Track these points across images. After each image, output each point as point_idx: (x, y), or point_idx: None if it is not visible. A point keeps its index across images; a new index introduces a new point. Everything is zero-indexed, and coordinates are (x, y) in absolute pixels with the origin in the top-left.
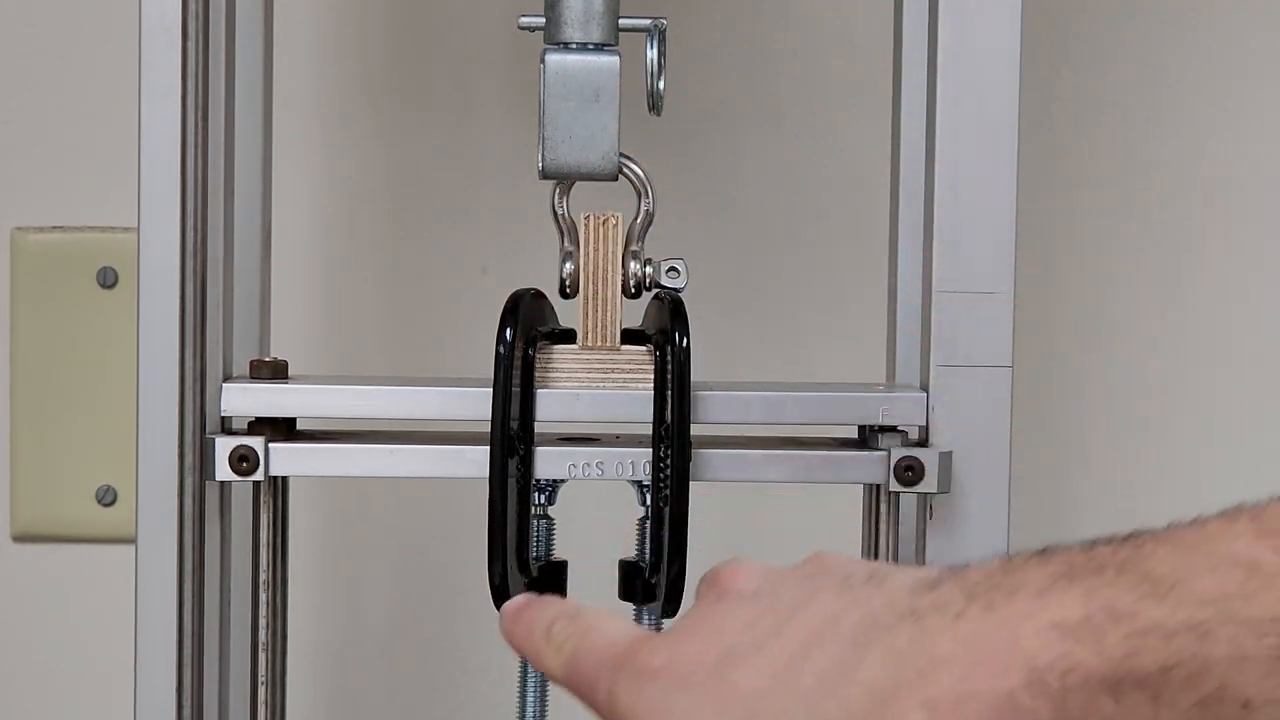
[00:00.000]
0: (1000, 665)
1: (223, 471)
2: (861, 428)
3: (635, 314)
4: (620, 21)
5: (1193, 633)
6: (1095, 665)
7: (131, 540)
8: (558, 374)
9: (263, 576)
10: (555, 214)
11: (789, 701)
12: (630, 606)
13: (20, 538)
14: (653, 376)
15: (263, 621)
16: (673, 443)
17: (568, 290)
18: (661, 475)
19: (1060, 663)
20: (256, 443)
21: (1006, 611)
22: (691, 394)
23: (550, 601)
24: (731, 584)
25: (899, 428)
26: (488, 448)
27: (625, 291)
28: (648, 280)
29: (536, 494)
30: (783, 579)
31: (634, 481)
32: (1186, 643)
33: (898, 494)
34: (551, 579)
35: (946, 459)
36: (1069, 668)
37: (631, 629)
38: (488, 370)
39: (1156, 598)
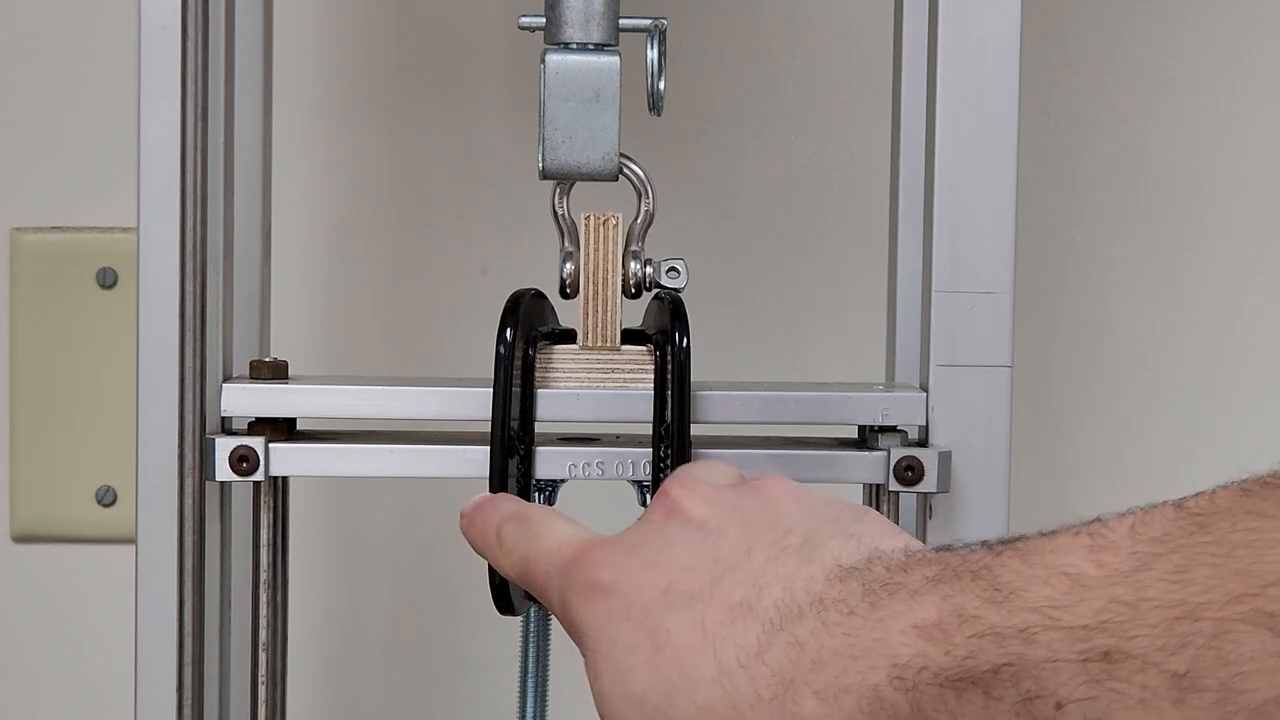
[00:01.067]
0: (871, 661)
1: (223, 471)
2: (861, 428)
3: (635, 314)
4: (620, 21)
5: (1020, 637)
6: (943, 664)
7: (131, 540)
8: (558, 374)
9: (263, 576)
10: (555, 214)
11: (711, 669)
12: None
13: (20, 538)
14: (653, 376)
15: (263, 621)
16: (673, 443)
17: (568, 290)
18: (661, 475)
19: (917, 660)
20: (256, 443)
21: (886, 611)
22: (691, 394)
23: (500, 501)
24: (681, 505)
25: (899, 428)
26: (488, 448)
27: (625, 291)
28: (648, 280)
29: (536, 494)
30: (729, 512)
31: (634, 481)
32: (1014, 646)
33: (898, 494)
34: None
35: (946, 459)
36: (923, 665)
37: (579, 531)
38: (488, 370)
39: (996, 604)
